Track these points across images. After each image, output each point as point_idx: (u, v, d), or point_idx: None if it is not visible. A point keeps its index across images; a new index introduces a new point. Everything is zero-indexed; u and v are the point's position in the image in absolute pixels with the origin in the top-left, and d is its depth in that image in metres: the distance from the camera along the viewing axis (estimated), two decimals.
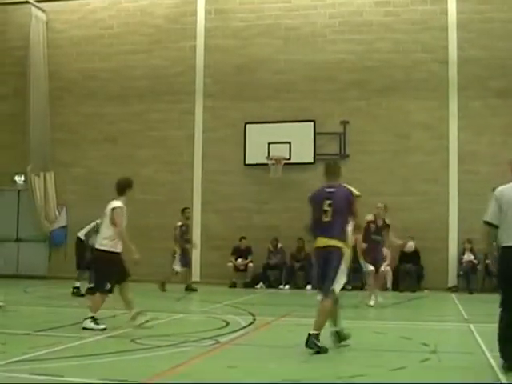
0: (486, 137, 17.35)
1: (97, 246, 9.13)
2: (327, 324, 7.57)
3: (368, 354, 7.49)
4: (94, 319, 8.83)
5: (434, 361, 6.98)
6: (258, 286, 17.33)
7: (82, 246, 13.80)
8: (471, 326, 9.85)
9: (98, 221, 11.99)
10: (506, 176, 6.75)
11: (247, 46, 18.96)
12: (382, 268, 13.21)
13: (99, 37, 19.95)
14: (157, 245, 17.32)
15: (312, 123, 18.00)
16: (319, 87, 18.28)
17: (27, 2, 19.67)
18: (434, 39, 17.84)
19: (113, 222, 8.93)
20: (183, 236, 15.96)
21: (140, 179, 14.98)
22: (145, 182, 17.65)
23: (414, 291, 16.23)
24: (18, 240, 19.78)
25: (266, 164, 18.01)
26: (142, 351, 7.35)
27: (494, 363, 6.67)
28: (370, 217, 12.71)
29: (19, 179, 19.82)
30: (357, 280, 15.19)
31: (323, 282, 7.53)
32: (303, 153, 17.89)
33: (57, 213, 19.59)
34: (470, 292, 16.30)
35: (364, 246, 12.60)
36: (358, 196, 7.70)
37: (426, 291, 16.31)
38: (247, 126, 18.49)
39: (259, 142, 18.05)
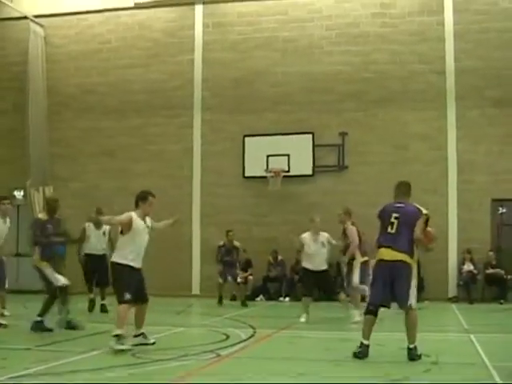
0: (483, 146, 17.40)
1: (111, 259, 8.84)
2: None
3: (369, 365, 7.46)
4: (118, 337, 8.12)
5: (435, 371, 6.96)
6: (258, 299, 17.32)
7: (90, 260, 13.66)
8: (471, 336, 9.84)
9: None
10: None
11: (245, 59, 19.03)
12: None
13: (97, 51, 20.02)
14: (154, 259, 17.19)
15: (310, 135, 18.02)
16: (317, 99, 18.32)
17: (25, 18, 19.76)
18: (431, 50, 17.92)
19: (120, 231, 8.80)
20: (223, 258, 15.99)
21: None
22: None
23: None
24: (17, 255, 19.72)
25: (265, 177, 18.02)
26: (142, 365, 7.30)
27: (494, 373, 6.66)
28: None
29: (18, 194, 19.81)
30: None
31: (394, 298, 7.65)
32: (302, 165, 17.90)
33: None
34: (471, 302, 16.29)
35: (362, 259, 12.49)
36: (425, 215, 7.83)
37: (426, 302, 16.21)
38: (246, 138, 18.51)
39: (258, 155, 18.07)
